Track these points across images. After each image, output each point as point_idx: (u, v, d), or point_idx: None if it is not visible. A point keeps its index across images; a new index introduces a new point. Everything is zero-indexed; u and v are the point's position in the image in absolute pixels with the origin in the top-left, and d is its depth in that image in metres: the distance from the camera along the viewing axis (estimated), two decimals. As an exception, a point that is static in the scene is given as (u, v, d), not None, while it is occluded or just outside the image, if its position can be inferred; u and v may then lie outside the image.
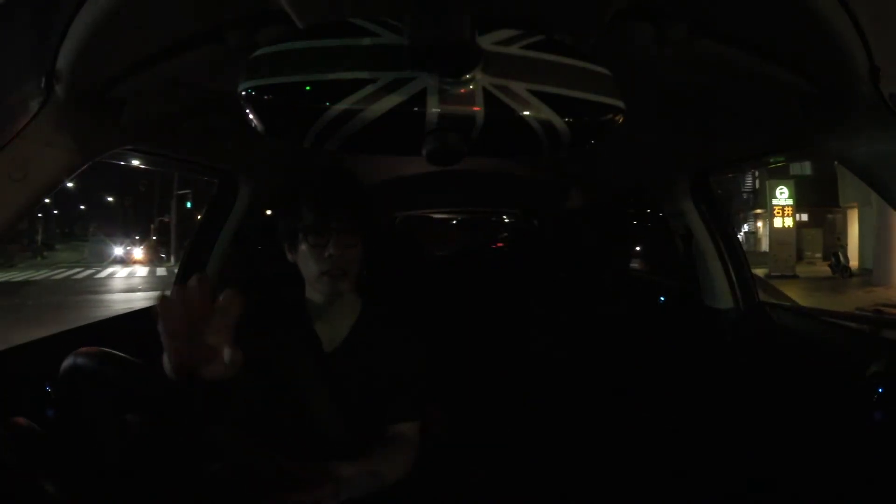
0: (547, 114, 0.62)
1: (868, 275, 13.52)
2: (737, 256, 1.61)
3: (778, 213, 15.59)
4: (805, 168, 19.77)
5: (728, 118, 1.15)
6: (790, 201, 15.50)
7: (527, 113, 0.62)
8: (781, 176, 16.16)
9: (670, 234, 1.80)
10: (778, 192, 15.74)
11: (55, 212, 35.66)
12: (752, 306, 1.57)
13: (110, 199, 40.60)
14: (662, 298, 2.19)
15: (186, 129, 1.20)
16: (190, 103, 1.06)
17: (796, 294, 10.92)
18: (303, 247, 1.03)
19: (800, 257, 18.57)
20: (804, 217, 20.86)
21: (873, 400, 0.98)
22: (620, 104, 0.65)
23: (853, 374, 1.06)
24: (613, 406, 1.77)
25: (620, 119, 0.66)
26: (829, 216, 19.75)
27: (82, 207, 41.43)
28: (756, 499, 1.22)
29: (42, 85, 0.80)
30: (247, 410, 1.07)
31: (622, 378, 1.85)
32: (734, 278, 1.59)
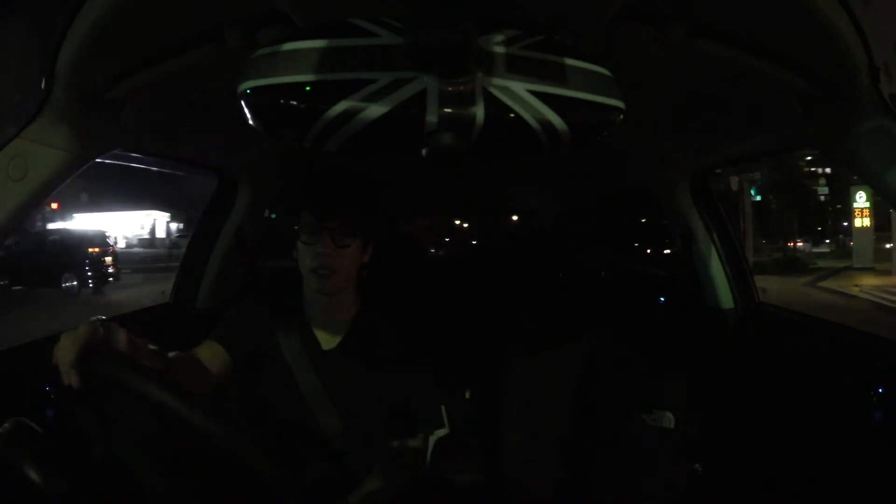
0: (547, 114, 0.62)
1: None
2: (736, 256, 1.61)
3: (857, 214, 16.88)
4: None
5: (728, 118, 1.15)
6: (867, 204, 16.67)
7: (527, 113, 0.62)
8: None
9: (670, 235, 1.80)
10: (857, 196, 16.98)
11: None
12: (751, 306, 1.57)
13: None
14: (662, 299, 2.19)
15: (187, 129, 1.20)
16: (190, 103, 1.06)
17: (831, 280, 12.79)
18: (299, 244, 1.05)
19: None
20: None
21: (873, 400, 0.98)
22: (620, 104, 0.65)
23: (853, 374, 1.06)
24: (612, 406, 1.76)
25: (620, 119, 0.66)
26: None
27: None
28: (756, 499, 1.22)
29: (42, 85, 0.80)
30: (245, 407, 1.07)
31: (621, 377, 1.85)
32: (734, 278, 1.59)
